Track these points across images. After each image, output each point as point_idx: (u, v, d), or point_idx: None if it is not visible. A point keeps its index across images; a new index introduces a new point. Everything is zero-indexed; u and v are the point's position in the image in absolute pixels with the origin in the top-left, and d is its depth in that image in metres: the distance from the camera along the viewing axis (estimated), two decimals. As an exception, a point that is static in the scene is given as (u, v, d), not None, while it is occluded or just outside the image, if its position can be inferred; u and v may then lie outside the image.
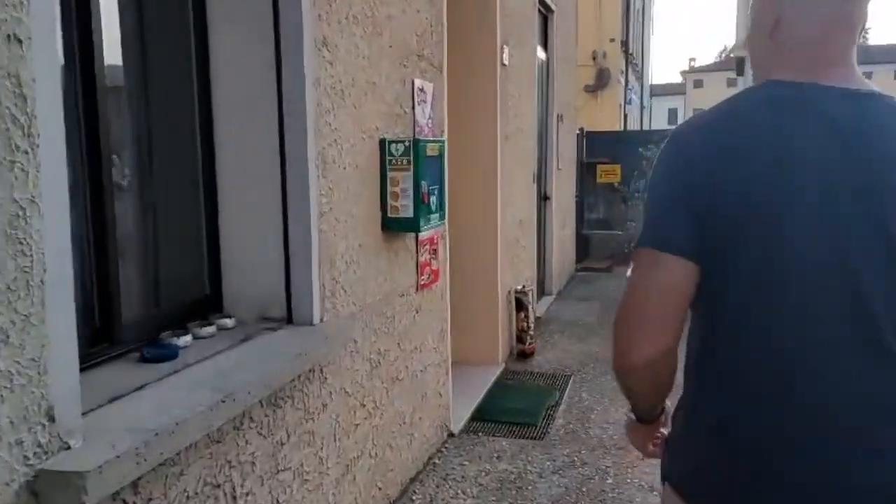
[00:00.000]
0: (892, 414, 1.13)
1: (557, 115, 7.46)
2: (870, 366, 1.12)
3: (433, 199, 3.04)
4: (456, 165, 4.90)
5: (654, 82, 51.14)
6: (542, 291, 7.23)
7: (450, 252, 5.00)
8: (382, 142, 2.89)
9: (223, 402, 1.70)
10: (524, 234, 5.96)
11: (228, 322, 2.28)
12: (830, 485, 1.12)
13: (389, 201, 2.91)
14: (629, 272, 1.19)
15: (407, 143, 2.87)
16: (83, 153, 1.85)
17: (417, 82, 3.29)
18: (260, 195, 2.34)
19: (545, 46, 7.11)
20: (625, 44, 18.16)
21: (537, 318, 6.39)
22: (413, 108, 3.25)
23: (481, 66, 4.86)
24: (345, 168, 2.60)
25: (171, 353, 1.94)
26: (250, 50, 2.29)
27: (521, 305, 5.33)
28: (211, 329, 2.20)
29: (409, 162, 2.88)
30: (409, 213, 2.90)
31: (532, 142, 6.16)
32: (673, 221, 1.16)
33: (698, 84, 58.81)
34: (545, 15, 7.06)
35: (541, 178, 6.99)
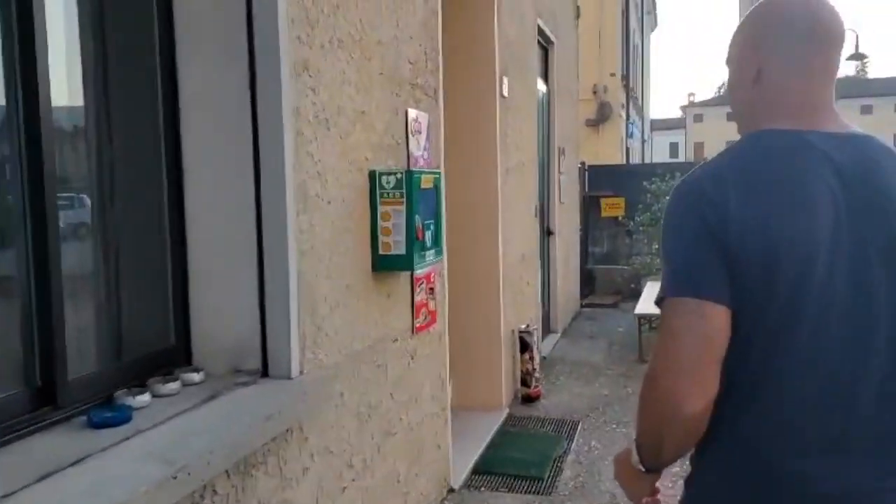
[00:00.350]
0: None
1: (559, 149, 7.27)
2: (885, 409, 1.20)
3: (428, 234, 2.81)
4: (455, 200, 4.68)
5: (654, 117, 51.35)
6: (547, 329, 6.96)
7: (448, 290, 4.77)
8: (373, 174, 2.67)
9: (174, 477, 1.44)
10: (527, 270, 5.72)
11: (196, 376, 2.03)
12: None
13: (380, 237, 2.68)
14: (666, 321, 1.18)
15: (399, 175, 2.65)
16: (24, 194, 1.63)
17: (412, 112, 3.08)
18: (233, 233, 2.11)
19: (546, 79, 6.95)
20: (625, 78, 18.11)
21: (542, 359, 6.12)
22: (407, 138, 3.03)
23: (480, 98, 4.66)
24: (329, 202, 2.37)
25: (121, 417, 1.69)
26: (222, 76, 2.08)
27: (525, 346, 5.07)
28: (174, 385, 1.95)
29: (401, 195, 2.65)
30: (402, 250, 2.66)
31: (534, 176, 5.95)
32: (707, 268, 1.16)
33: (698, 118, 59.03)
34: (545, 47, 6.91)
35: (543, 212, 6.77)
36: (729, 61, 1.36)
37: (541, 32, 6.34)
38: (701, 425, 1.18)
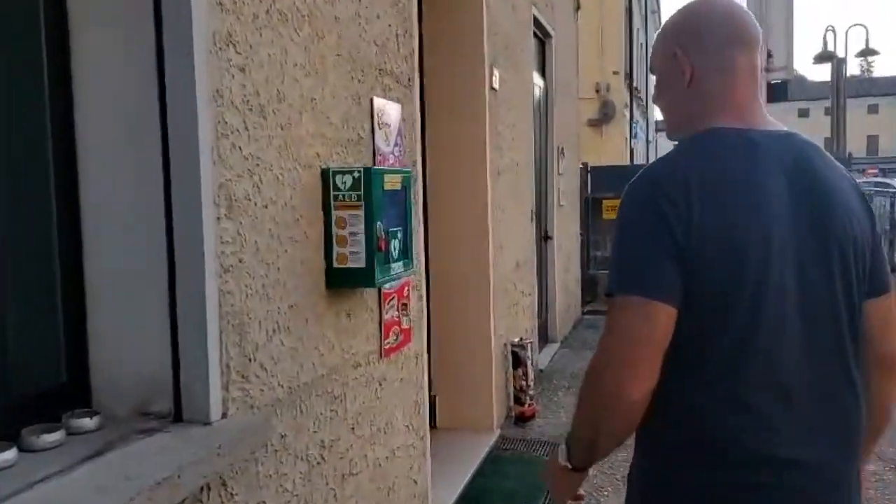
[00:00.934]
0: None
1: (558, 148, 6.86)
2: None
3: (395, 243, 2.40)
4: (440, 203, 4.30)
5: (659, 118, 50.59)
6: (545, 339, 6.55)
7: (435, 302, 4.37)
8: (325, 172, 2.27)
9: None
10: (522, 278, 5.31)
11: (88, 422, 1.63)
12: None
13: (335, 248, 2.28)
14: (612, 317, 1.22)
15: (356, 174, 2.25)
16: None
17: (378, 102, 2.67)
18: (138, 243, 1.71)
19: (543, 74, 6.55)
20: (629, 77, 17.69)
21: (539, 372, 5.72)
22: (373, 132, 2.63)
23: (467, 90, 4.27)
24: (266, 206, 1.96)
25: (-45, 490, 1.29)
26: (126, 54, 1.69)
27: (518, 361, 4.66)
28: (55, 436, 1.55)
29: (359, 198, 2.25)
30: (361, 263, 2.26)
31: (529, 177, 5.55)
32: (659, 266, 1.20)
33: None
34: (542, 40, 6.51)
35: (540, 216, 6.36)
36: (654, 68, 1.42)
37: (537, 23, 5.94)
38: (638, 415, 1.22)
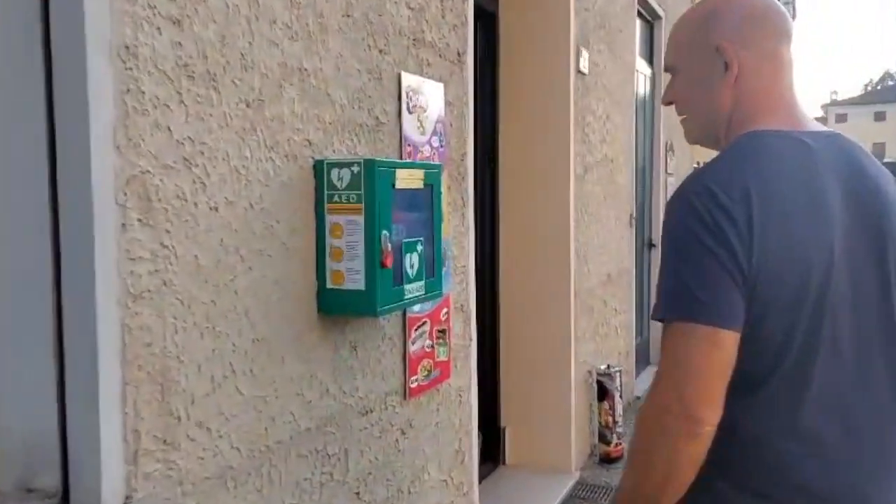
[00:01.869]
0: None
1: (666, 144, 6.10)
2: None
3: (412, 258, 1.85)
4: (512, 205, 3.72)
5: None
6: (644, 361, 5.81)
7: (506, 321, 3.79)
8: (319, 166, 1.75)
9: None
10: (616, 292, 4.63)
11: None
12: None
13: (328, 263, 1.75)
14: (676, 348, 1.10)
15: (356, 168, 1.71)
16: None
17: (409, 79, 2.13)
18: (16, 261, 1.25)
19: (650, 60, 5.81)
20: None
21: (636, 400, 5.02)
22: (399, 116, 2.09)
23: (548, 73, 3.65)
24: (215, 209, 1.46)
25: None
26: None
27: (604, 392, 4.00)
28: None
29: (358, 198, 1.71)
30: (360, 284, 1.72)
31: (627, 175, 4.85)
32: (723, 288, 1.09)
33: (841, 118, 54.54)
34: (650, 22, 5.77)
35: (643, 221, 5.63)
36: (675, 65, 1.29)
37: (642, 2, 5.22)
38: (702, 457, 1.11)
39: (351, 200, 1.71)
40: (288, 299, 1.67)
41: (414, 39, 2.17)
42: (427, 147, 2.23)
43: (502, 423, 3.85)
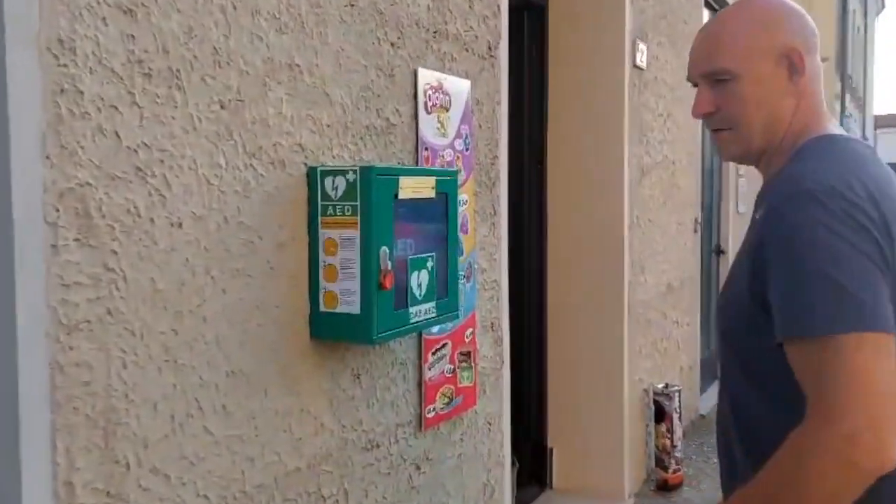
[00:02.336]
0: None
1: (737, 144, 5.69)
2: None
3: (420, 277, 1.63)
4: (560, 212, 3.46)
5: (879, 112, 45.76)
6: (710, 376, 5.44)
7: (555, 335, 3.54)
8: (312, 174, 1.55)
9: None
10: (678, 303, 4.31)
11: None
12: None
13: (322, 283, 1.55)
14: (853, 363, 0.98)
15: (351, 176, 1.51)
16: None
17: (427, 76, 1.92)
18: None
19: (720, 54, 5.41)
20: (841, 65, 15.45)
21: (700, 418, 4.68)
22: (416, 117, 1.88)
23: (599, 68, 3.37)
24: (177, 225, 1.28)
25: None
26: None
27: (662, 413, 3.69)
28: None
29: (353, 210, 1.51)
30: (355, 308, 1.51)
31: (692, 177, 4.51)
32: (882, 293, 1.02)
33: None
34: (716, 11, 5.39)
35: (709, 226, 5.27)
36: (743, 63, 1.15)
37: (711, -8, 4.86)
38: None
39: (346, 213, 1.51)
40: (272, 325, 1.48)
41: (434, 32, 1.96)
42: (449, 151, 2.01)
43: (549, 444, 3.60)
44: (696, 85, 1.21)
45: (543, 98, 3.45)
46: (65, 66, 1.10)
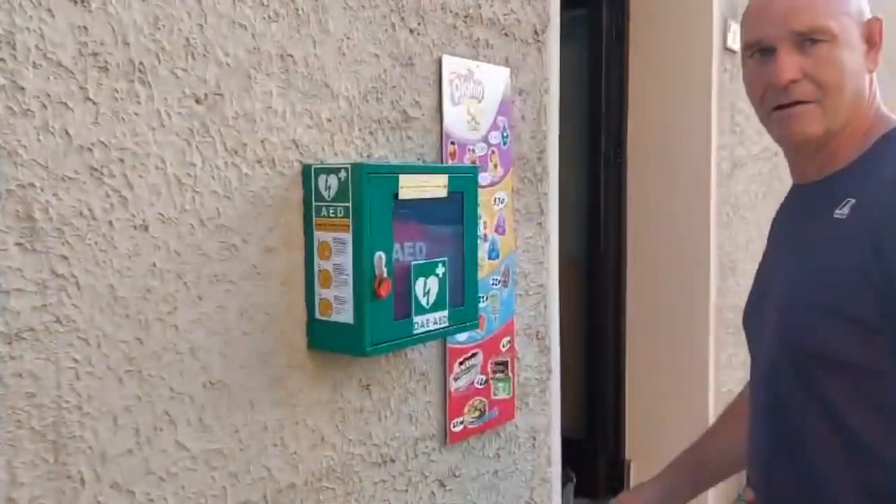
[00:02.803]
0: None
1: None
2: None
3: (427, 284, 1.50)
4: (638, 209, 3.23)
5: None
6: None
7: (627, 346, 3.31)
8: (307, 172, 1.45)
9: None
10: (780, 308, 3.93)
11: None
12: None
13: (318, 290, 1.45)
14: None
15: (343, 175, 1.39)
16: None
17: (454, 64, 1.77)
18: None
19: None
20: None
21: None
22: (440, 109, 1.74)
23: (684, 52, 3.10)
24: (141, 227, 1.21)
25: None
26: None
27: (754, 427, 3.38)
28: None
29: (345, 212, 1.39)
30: (348, 316, 1.40)
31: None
32: None
33: None
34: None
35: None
36: (838, 24, 1.03)
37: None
38: None
39: (338, 214, 1.40)
40: (260, 334, 1.39)
41: (465, 16, 1.81)
42: (482, 145, 1.86)
43: (627, 457, 3.38)
44: (763, 51, 1.06)
45: (623, 87, 3.22)
46: (2, 60, 1.04)
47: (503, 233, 1.94)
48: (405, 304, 1.46)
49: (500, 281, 1.93)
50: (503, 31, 1.94)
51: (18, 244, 1.07)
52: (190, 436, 1.29)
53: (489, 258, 1.90)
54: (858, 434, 0.95)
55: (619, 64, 3.19)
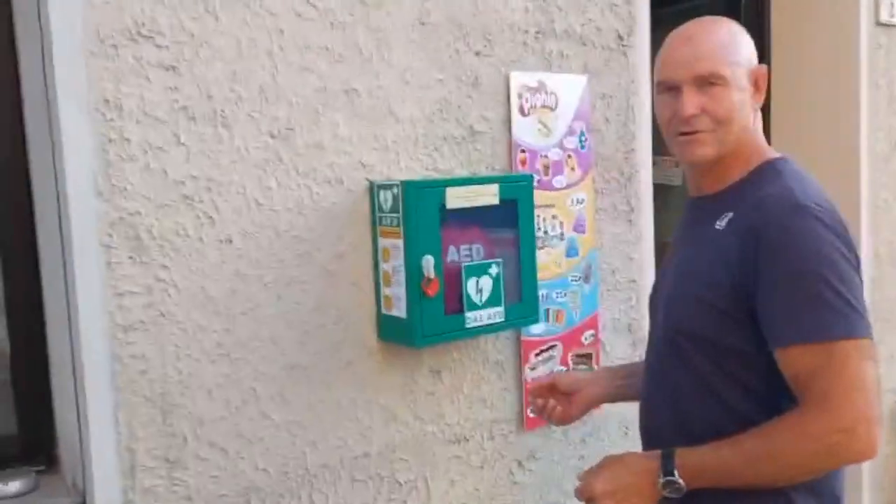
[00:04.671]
0: None
1: None
2: None
3: (480, 283, 1.68)
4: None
5: None
6: None
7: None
8: (371, 188, 1.69)
9: None
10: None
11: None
12: None
13: (382, 288, 1.69)
14: (858, 365, 1.14)
15: (395, 190, 1.62)
16: None
17: (523, 78, 1.92)
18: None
19: None
20: None
21: None
22: (509, 121, 1.91)
23: (830, 27, 2.94)
24: (227, 241, 1.52)
25: None
26: None
27: (923, 429, 3.11)
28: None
29: (398, 222, 1.62)
30: (403, 312, 1.63)
31: None
32: (864, 303, 1.19)
33: None
34: None
35: None
36: (730, 72, 1.27)
37: None
38: None
39: (393, 224, 1.63)
40: (334, 326, 1.66)
41: (537, 32, 1.95)
42: (556, 151, 1.99)
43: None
44: (669, 89, 1.30)
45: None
46: (112, 120, 1.39)
47: (583, 231, 2.06)
48: (456, 301, 1.65)
49: (580, 277, 2.05)
50: (580, 41, 2.04)
51: (130, 258, 1.42)
52: (273, 408, 1.59)
53: (567, 256, 2.02)
54: (718, 391, 1.26)
55: (759, 44, 3.09)
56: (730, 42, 1.28)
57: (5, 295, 1.43)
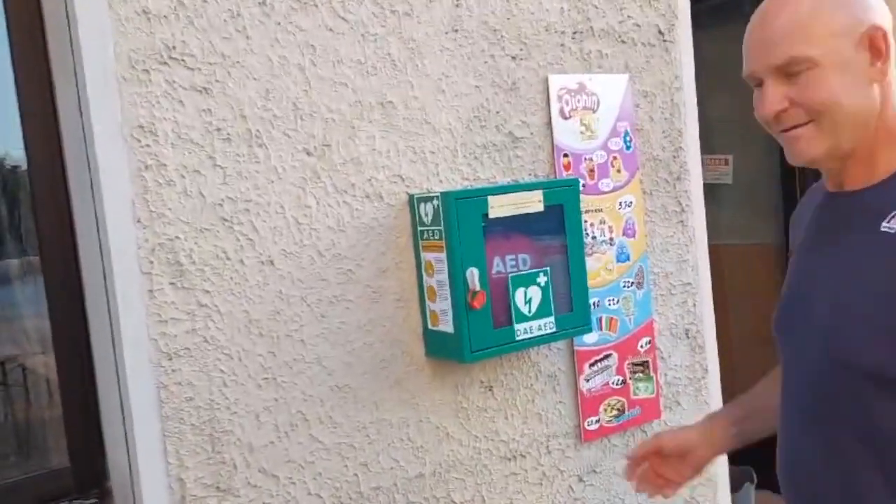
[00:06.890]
0: None
1: None
2: None
3: (528, 293, 1.62)
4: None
5: None
6: None
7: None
8: (412, 201, 1.65)
9: None
10: None
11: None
12: None
13: (427, 303, 1.64)
14: None
15: (436, 202, 1.57)
16: None
17: (562, 81, 1.87)
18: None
19: None
20: None
21: None
22: (549, 125, 1.85)
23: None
24: (268, 262, 1.49)
25: None
26: None
27: None
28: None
29: (440, 234, 1.57)
30: (450, 327, 1.58)
31: None
32: None
33: None
34: None
35: None
36: (822, 49, 1.01)
37: None
38: None
39: (435, 237, 1.58)
40: (380, 344, 1.61)
41: (574, 33, 1.90)
42: (600, 153, 1.93)
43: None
44: (758, 84, 1.07)
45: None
46: (147, 146, 1.37)
47: (633, 235, 1.98)
48: (505, 313, 1.59)
49: (632, 283, 1.98)
50: (619, 39, 1.98)
51: (171, 284, 1.40)
52: (322, 431, 1.55)
53: (618, 261, 1.95)
54: None
55: None
56: (812, 11, 1.02)
57: (52, 330, 1.42)
